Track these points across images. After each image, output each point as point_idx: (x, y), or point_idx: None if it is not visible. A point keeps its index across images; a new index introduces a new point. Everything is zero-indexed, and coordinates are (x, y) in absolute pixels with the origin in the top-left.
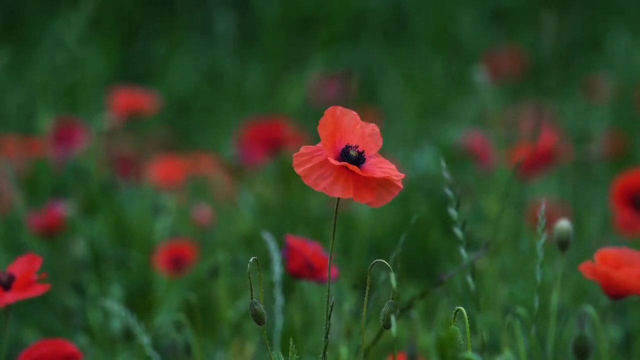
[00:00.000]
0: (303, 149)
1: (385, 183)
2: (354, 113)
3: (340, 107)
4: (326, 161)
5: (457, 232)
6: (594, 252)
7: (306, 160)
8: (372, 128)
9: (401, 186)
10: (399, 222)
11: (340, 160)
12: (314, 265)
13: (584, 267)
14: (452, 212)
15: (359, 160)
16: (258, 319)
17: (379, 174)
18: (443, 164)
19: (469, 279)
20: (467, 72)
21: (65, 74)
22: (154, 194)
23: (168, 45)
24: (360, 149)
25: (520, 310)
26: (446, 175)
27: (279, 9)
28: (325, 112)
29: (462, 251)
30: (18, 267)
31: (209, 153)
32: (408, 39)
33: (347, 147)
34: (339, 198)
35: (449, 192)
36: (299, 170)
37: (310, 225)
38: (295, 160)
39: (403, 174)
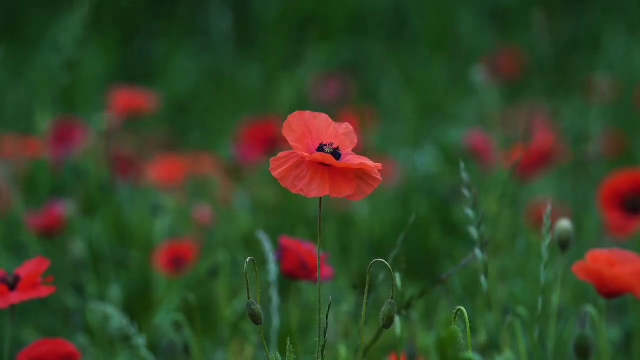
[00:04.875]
0: (280, 154)
1: (363, 175)
2: (325, 115)
3: (308, 112)
4: (301, 161)
5: (473, 232)
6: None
7: (282, 163)
8: (346, 127)
9: (380, 179)
10: (398, 222)
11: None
12: (309, 265)
13: (577, 268)
14: (469, 212)
15: (334, 155)
16: (255, 318)
17: (355, 163)
18: (462, 164)
19: (482, 279)
20: (466, 72)
21: (63, 78)
22: (154, 193)
23: (167, 45)
24: (334, 147)
25: (521, 310)
26: (464, 176)
27: (278, 8)
28: (290, 117)
29: (477, 252)
30: (25, 269)
31: (208, 153)
32: (408, 39)
33: (322, 145)
34: (321, 198)
35: (466, 192)
36: (275, 174)
37: (309, 225)
38: (272, 165)
39: (380, 164)
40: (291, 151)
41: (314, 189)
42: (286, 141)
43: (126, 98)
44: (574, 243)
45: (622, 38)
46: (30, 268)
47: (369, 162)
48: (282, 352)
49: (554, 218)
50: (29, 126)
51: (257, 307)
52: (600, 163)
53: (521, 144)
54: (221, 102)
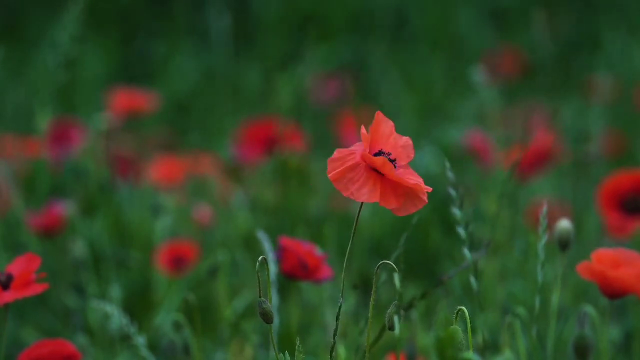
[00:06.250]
0: (336, 153)
1: (411, 194)
2: (391, 123)
3: (381, 114)
4: (357, 164)
5: (460, 231)
6: (592, 252)
7: (339, 164)
8: (406, 140)
9: (426, 200)
10: (398, 222)
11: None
12: (309, 265)
13: (581, 267)
14: (455, 211)
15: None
16: (266, 317)
17: (410, 180)
18: (447, 164)
19: (472, 279)
20: (466, 72)
21: (59, 76)
22: (154, 193)
23: (167, 46)
24: (392, 157)
25: (520, 310)
26: (449, 174)
27: (278, 8)
28: (375, 115)
29: (465, 251)
30: (16, 267)
31: (208, 153)
32: (408, 39)
33: (381, 152)
34: (362, 203)
35: (452, 191)
36: (329, 176)
37: (310, 225)
38: (329, 167)
39: (430, 188)
40: (348, 150)
41: (364, 194)
42: (287, 140)
43: (126, 98)
44: (574, 243)
45: (622, 38)
46: (21, 265)
47: (421, 183)
48: (284, 352)
49: (554, 218)
50: (29, 126)
51: (268, 306)
52: (600, 163)
53: (520, 143)
54: (221, 102)
